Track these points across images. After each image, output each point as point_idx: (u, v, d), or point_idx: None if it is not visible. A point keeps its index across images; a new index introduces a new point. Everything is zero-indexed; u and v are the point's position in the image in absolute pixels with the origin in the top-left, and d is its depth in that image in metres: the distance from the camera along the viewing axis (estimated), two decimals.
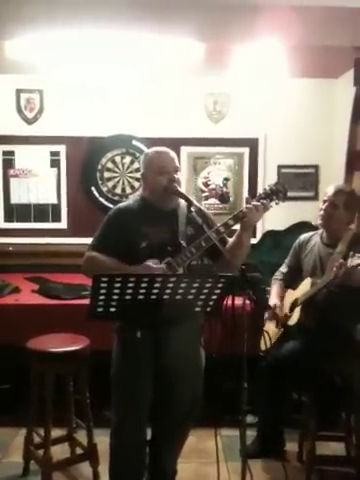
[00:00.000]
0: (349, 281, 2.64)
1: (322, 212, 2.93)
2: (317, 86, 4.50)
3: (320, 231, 3.06)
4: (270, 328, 3.05)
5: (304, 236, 3.17)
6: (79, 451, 3.00)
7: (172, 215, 2.41)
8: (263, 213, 2.34)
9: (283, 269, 3.24)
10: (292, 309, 2.98)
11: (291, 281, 3.14)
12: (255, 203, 2.31)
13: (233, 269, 2.09)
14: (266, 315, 3.12)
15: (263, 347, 2.95)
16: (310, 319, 2.89)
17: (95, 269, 2.28)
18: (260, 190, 4.54)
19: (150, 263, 2.26)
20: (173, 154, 2.45)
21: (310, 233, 3.16)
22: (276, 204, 2.39)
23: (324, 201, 2.95)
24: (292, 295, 3.05)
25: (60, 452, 3.00)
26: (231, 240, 2.43)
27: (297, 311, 2.93)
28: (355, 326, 2.95)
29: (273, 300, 3.12)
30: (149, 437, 2.54)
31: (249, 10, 2.83)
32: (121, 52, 3.69)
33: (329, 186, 3.02)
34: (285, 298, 3.11)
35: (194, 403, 2.49)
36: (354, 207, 2.98)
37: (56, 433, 2.95)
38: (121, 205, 2.55)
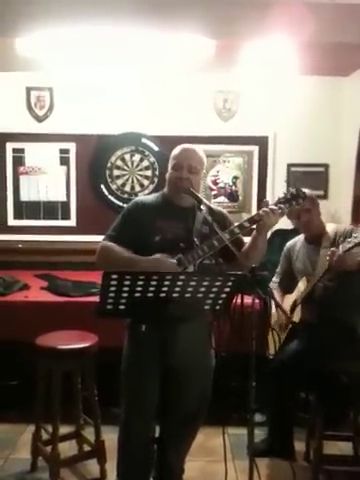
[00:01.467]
0: (344, 266, 2.72)
1: (302, 223, 3.03)
2: (327, 84, 4.47)
3: (302, 235, 3.16)
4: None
5: (289, 243, 3.26)
6: (87, 448, 3.01)
7: (189, 212, 2.41)
8: (279, 218, 2.34)
9: (276, 279, 3.30)
10: (293, 310, 3.01)
11: (286, 288, 3.20)
12: (272, 207, 2.31)
13: (249, 266, 2.10)
14: (274, 317, 3.13)
15: (272, 350, 2.96)
16: (311, 315, 2.94)
17: (108, 259, 2.34)
18: (269, 189, 4.61)
19: (159, 256, 2.27)
20: (194, 153, 2.42)
21: (294, 239, 3.25)
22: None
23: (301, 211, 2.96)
24: (290, 298, 3.10)
25: (68, 449, 3.01)
26: (247, 242, 2.43)
27: (298, 310, 2.97)
28: (356, 318, 2.97)
29: (278, 297, 3.18)
30: (157, 435, 2.54)
31: (259, 6, 2.81)
32: (131, 50, 3.69)
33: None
34: (284, 302, 3.14)
35: (202, 402, 2.49)
36: (316, 202, 3.07)
37: (64, 430, 2.96)
38: (139, 198, 2.59)
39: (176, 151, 2.45)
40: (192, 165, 2.39)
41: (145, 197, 2.62)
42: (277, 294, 3.21)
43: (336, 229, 3.00)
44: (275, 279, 3.31)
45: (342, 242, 2.75)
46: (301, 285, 3.02)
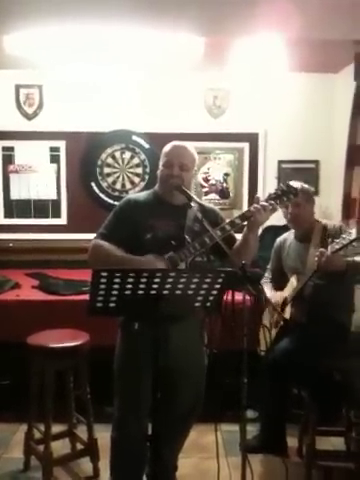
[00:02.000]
0: (332, 267, 2.72)
1: (289, 215, 3.01)
2: (317, 81, 4.49)
3: (292, 231, 3.15)
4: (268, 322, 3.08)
5: (279, 239, 3.26)
6: (80, 446, 3.01)
7: (181, 210, 2.41)
8: (270, 214, 2.34)
9: (267, 274, 3.32)
10: (283, 308, 3.02)
11: (278, 283, 3.20)
12: (263, 203, 2.31)
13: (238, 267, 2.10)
14: (267, 311, 3.15)
15: (263, 346, 2.97)
16: (300, 314, 2.94)
17: (100, 258, 2.33)
18: (260, 185, 4.61)
19: (151, 256, 2.27)
20: (185, 150, 2.42)
21: (284, 235, 3.25)
22: (285, 206, 2.42)
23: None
24: (280, 296, 3.10)
25: (61, 447, 3.01)
26: (238, 239, 2.43)
27: (288, 309, 2.98)
28: (346, 316, 2.99)
29: (269, 293, 3.18)
30: (150, 432, 2.54)
31: (248, 4, 2.82)
32: (121, 48, 3.68)
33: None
34: (276, 298, 3.14)
35: (196, 399, 2.50)
36: (312, 199, 3.07)
37: (56, 429, 2.95)
38: (131, 196, 2.57)
39: (167, 148, 2.44)
40: (183, 162, 2.38)
41: (137, 195, 2.61)
42: (268, 290, 3.21)
43: (326, 226, 2.99)
44: (267, 275, 3.32)
45: (331, 242, 2.73)
46: (291, 283, 3.03)
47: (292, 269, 3.07)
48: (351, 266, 2.75)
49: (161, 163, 2.44)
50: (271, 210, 2.32)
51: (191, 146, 2.46)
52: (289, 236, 3.19)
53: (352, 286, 3.06)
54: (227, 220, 2.38)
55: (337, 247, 2.66)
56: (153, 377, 2.18)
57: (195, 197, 2.35)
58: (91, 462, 2.88)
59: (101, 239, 2.40)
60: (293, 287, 2.98)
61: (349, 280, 2.94)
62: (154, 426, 2.49)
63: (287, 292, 3.04)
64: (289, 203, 2.46)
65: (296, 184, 2.78)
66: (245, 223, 2.35)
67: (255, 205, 2.30)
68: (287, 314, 2.98)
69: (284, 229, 4.18)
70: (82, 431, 2.97)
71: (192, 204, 2.29)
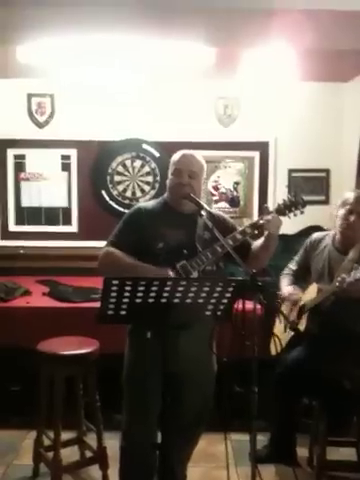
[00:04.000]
0: (351, 294, 2.65)
1: (345, 221, 2.86)
2: (327, 90, 4.48)
3: (332, 233, 3.02)
4: (279, 331, 3.04)
5: (316, 235, 3.12)
6: (89, 454, 3.01)
7: (191, 218, 2.42)
8: (280, 223, 2.37)
9: (292, 266, 3.21)
10: (300, 315, 2.97)
11: (299, 278, 3.13)
12: (272, 215, 2.35)
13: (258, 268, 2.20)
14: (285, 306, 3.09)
15: (273, 352, 2.95)
16: (315, 326, 2.88)
17: (110, 265, 2.35)
18: (270, 194, 4.62)
19: (164, 270, 2.28)
20: (193, 158, 2.44)
21: (322, 233, 3.14)
22: (294, 216, 2.43)
23: (349, 210, 2.85)
24: (300, 296, 3.02)
25: (70, 455, 3.00)
26: (258, 243, 2.46)
27: (304, 318, 2.93)
28: None
29: (285, 289, 3.08)
30: (159, 441, 2.53)
31: (259, 14, 2.83)
32: (131, 57, 3.71)
33: (347, 192, 2.97)
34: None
35: (205, 408, 2.49)
36: None
37: (66, 436, 2.95)
38: (141, 204, 2.60)
39: (176, 157, 2.46)
40: (192, 170, 2.40)
41: (147, 203, 2.63)
42: (286, 282, 3.13)
43: None
44: (291, 266, 3.21)
45: (356, 268, 2.65)
46: (312, 291, 2.93)
47: (318, 274, 2.97)
48: None
49: (170, 172, 2.46)
50: (280, 220, 2.35)
51: (199, 155, 2.48)
52: (326, 238, 3.04)
53: None
54: (239, 228, 2.42)
55: None
56: (162, 385, 2.18)
57: (205, 205, 2.36)
58: (100, 470, 2.88)
59: (112, 246, 2.41)
60: (312, 296, 2.91)
61: None
62: (163, 434, 2.49)
63: (307, 298, 2.96)
64: (298, 213, 2.44)
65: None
66: (256, 232, 2.37)
67: (266, 217, 2.32)
68: (302, 324, 2.93)
69: (295, 237, 4.18)
70: (91, 438, 2.97)
71: (202, 212, 2.30)
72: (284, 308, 3.11)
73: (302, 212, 2.46)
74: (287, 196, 2.45)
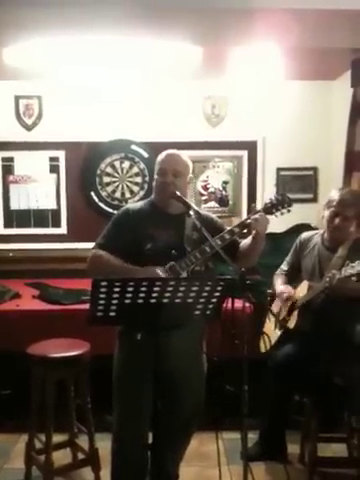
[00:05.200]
0: (341, 291, 2.65)
1: (331, 224, 2.86)
2: (315, 88, 4.51)
3: (321, 231, 3.04)
4: (269, 329, 3.05)
5: (305, 235, 3.14)
6: (81, 456, 2.99)
7: (178, 219, 2.42)
8: (268, 222, 2.38)
9: (284, 266, 3.22)
10: (290, 312, 2.98)
11: (291, 279, 3.13)
12: (259, 215, 2.35)
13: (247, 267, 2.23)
14: (276, 304, 3.11)
15: (263, 349, 2.96)
16: (306, 323, 2.88)
17: (99, 268, 2.35)
18: (259, 193, 4.63)
19: (152, 269, 2.28)
20: (178, 157, 2.45)
21: (311, 232, 3.15)
22: (281, 214, 2.44)
23: (334, 213, 2.85)
24: (293, 292, 3.02)
25: (62, 457, 2.98)
26: (246, 242, 2.46)
27: (295, 314, 2.94)
28: (354, 327, 2.95)
29: (279, 288, 3.09)
30: (150, 441, 2.53)
31: (246, 13, 2.83)
32: (119, 57, 3.70)
33: (333, 191, 2.94)
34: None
35: (196, 407, 2.50)
36: (359, 215, 2.94)
37: (57, 438, 2.94)
38: (129, 205, 2.60)
39: (161, 157, 2.46)
40: (176, 169, 2.41)
41: (134, 204, 2.62)
42: (280, 281, 3.13)
43: (355, 240, 2.86)
44: (283, 267, 3.22)
45: (347, 265, 2.63)
46: (302, 288, 2.94)
47: (308, 273, 2.98)
48: None
49: (156, 172, 2.46)
50: (267, 219, 2.36)
51: (185, 154, 2.49)
52: (315, 237, 3.05)
53: None
54: (227, 228, 2.42)
55: (351, 272, 2.57)
56: (153, 384, 2.18)
57: (192, 204, 2.37)
58: (92, 472, 2.86)
59: (100, 249, 2.41)
60: (303, 293, 2.91)
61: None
62: (155, 434, 2.50)
63: (297, 296, 2.96)
64: (285, 212, 2.45)
65: (353, 196, 2.81)
66: (245, 231, 2.38)
67: (254, 216, 2.33)
68: (293, 321, 2.95)
69: (285, 236, 4.20)
70: (83, 440, 2.96)
71: (191, 212, 2.31)
72: (275, 306, 3.13)
73: (289, 211, 2.46)
74: (274, 195, 2.46)
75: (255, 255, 2.47)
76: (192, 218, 2.31)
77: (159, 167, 2.43)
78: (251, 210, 2.39)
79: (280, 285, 3.12)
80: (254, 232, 2.38)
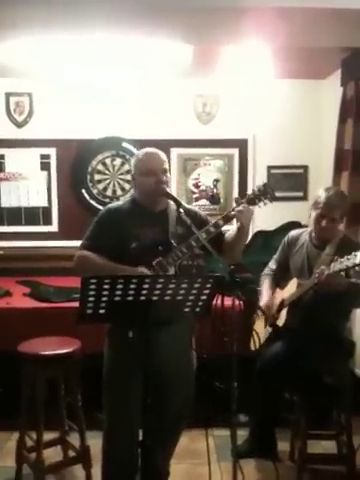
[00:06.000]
0: (330, 286, 2.64)
1: (317, 225, 2.86)
2: (305, 87, 4.54)
3: (309, 229, 3.03)
4: (259, 326, 3.06)
5: (293, 233, 3.14)
6: (72, 454, 3.00)
7: (162, 215, 2.43)
8: (252, 214, 2.37)
9: (272, 265, 3.22)
10: (279, 310, 2.99)
11: (280, 278, 3.14)
12: (243, 206, 2.35)
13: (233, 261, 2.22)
14: (257, 314, 3.13)
15: (253, 347, 2.96)
16: (295, 321, 2.89)
17: (86, 268, 2.34)
18: (249, 191, 4.62)
19: (141, 269, 2.28)
20: (162, 156, 2.46)
21: (299, 230, 3.15)
22: (264, 205, 2.43)
23: (320, 215, 2.83)
24: (280, 295, 3.06)
25: (53, 455, 2.99)
26: (230, 235, 2.46)
27: (284, 312, 2.95)
28: (342, 325, 2.97)
29: (264, 299, 3.09)
30: (140, 438, 2.54)
31: (236, 12, 2.84)
32: (110, 55, 3.70)
33: (320, 190, 2.90)
34: (274, 297, 3.11)
35: (186, 404, 2.51)
36: (346, 213, 2.99)
37: (48, 436, 2.94)
38: (111, 205, 2.59)
39: (144, 157, 2.46)
40: (164, 168, 2.43)
41: (116, 204, 2.63)
42: (267, 284, 3.13)
43: (343, 238, 2.87)
44: (271, 265, 3.21)
45: (335, 260, 2.63)
46: (291, 286, 2.95)
47: (297, 271, 2.98)
48: (353, 288, 2.65)
49: (139, 172, 2.44)
50: (252, 210, 2.37)
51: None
52: (304, 235, 3.05)
53: (350, 309, 3.02)
54: (211, 221, 2.43)
55: (340, 267, 2.57)
56: (143, 382, 2.19)
57: (182, 201, 2.38)
58: (83, 469, 2.87)
59: (85, 250, 2.41)
60: (292, 291, 2.92)
61: (348, 301, 2.82)
62: (145, 432, 2.50)
63: (286, 293, 2.98)
64: (268, 202, 2.45)
65: (338, 198, 2.82)
66: (230, 225, 2.39)
67: (237, 208, 2.34)
68: (282, 317, 2.95)
69: (275, 233, 4.22)
70: (74, 438, 2.96)
71: (181, 210, 2.31)
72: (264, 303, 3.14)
73: (271, 201, 2.44)
74: (256, 186, 2.46)
75: (239, 248, 2.47)
76: (176, 213, 2.32)
77: (146, 167, 2.41)
78: (236, 202, 2.39)
79: (266, 290, 3.11)
80: (238, 224, 2.38)
